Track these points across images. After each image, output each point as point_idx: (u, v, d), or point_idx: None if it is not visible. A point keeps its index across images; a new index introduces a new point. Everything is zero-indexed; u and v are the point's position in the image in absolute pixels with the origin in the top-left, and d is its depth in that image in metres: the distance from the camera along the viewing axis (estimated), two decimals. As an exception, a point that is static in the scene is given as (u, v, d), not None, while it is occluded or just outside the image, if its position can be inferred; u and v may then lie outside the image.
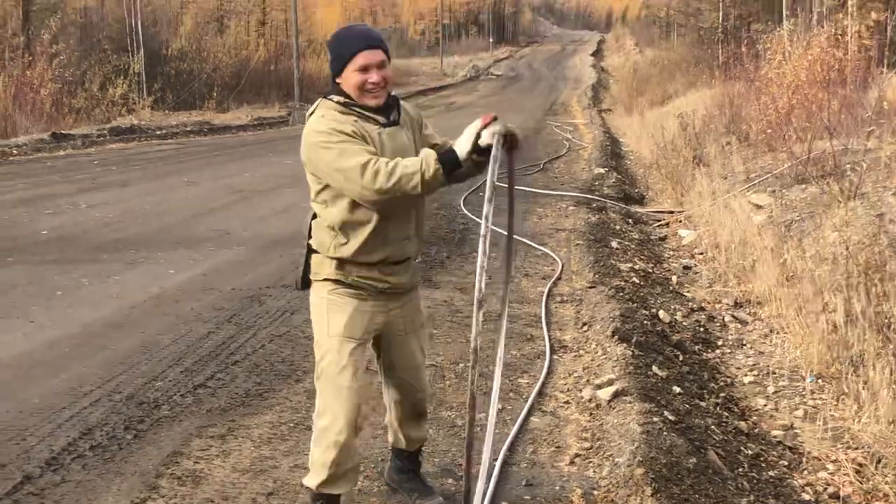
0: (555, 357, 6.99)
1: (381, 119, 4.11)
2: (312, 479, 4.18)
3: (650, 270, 10.13)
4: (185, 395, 5.92)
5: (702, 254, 11.27)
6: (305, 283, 4.26)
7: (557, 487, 4.92)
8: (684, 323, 8.09)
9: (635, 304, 8.18)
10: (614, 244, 11.20)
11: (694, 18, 32.95)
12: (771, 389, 6.70)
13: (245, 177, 16.80)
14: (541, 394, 6.26)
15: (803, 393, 6.54)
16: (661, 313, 8.05)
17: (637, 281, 9.34)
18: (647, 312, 8.00)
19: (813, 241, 9.49)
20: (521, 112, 28.04)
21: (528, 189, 15.44)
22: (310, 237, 4.19)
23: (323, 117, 4.03)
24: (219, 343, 7.01)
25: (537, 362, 6.93)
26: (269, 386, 6.17)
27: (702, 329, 8.04)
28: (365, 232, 4.04)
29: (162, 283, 8.79)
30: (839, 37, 17.18)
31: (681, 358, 7.02)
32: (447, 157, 3.85)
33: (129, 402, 5.78)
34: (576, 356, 7.10)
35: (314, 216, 4.17)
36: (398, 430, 4.60)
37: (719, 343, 7.77)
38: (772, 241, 9.65)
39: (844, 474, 5.27)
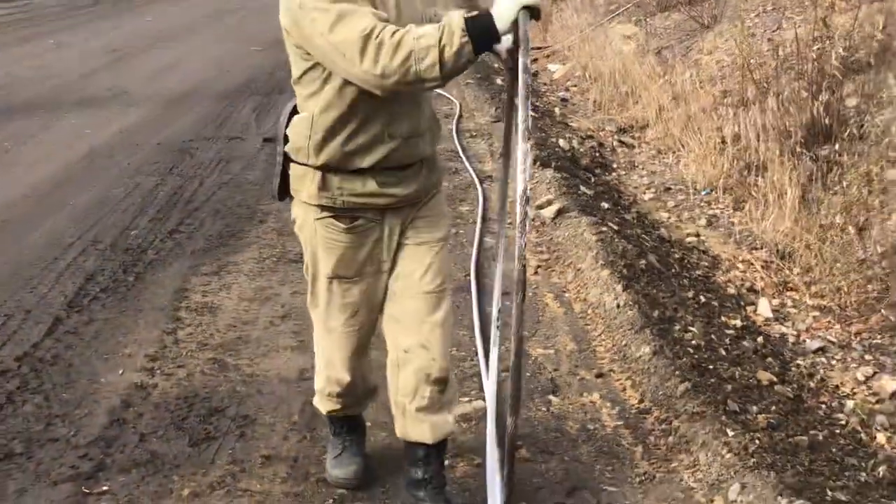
0: (484, 185, 7.51)
1: None
2: (320, 404, 3.58)
3: (536, 104, 10.69)
4: (165, 241, 6.29)
5: (575, 86, 11.87)
6: (283, 192, 3.26)
7: (530, 294, 5.52)
8: (581, 150, 8.69)
9: (543, 134, 8.79)
10: (498, 81, 11.71)
11: None
12: (671, 204, 7.39)
13: (111, 36, 16.64)
14: (484, 219, 6.79)
15: (701, 204, 7.26)
16: (562, 142, 8.64)
17: (532, 114, 9.88)
18: (553, 141, 8.61)
19: (688, 65, 10.18)
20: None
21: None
22: (286, 140, 3.18)
23: None
24: (171, 193, 7.34)
25: (470, 191, 7.45)
26: (238, 227, 6.59)
27: (597, 154, 8.67)
28: (354, 125, 3.02)
29: (87, 142, 8.98)
30: None
31: (592, 180, 7.68)
32: (480, 25, 2.71)
33: (115, 250, 6.14)
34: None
35: (294, 111, 3.18)
36: (405, 408, 3.31)
37: (614, 166, 8.43)
38: (650, 67, 10.30)
39: (755, 271, 6.01)
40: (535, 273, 5.85)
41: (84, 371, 4.53)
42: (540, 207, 6.77)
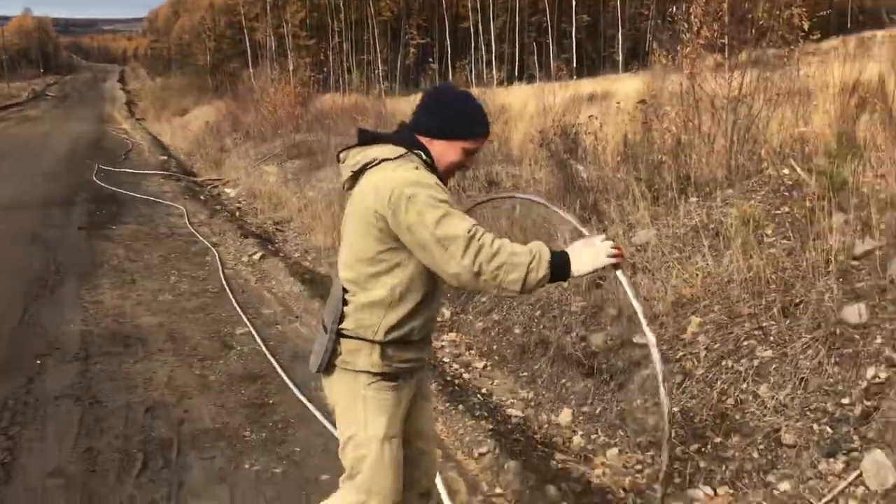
0: (215, 249, 8.99)
1: None
2: None
3: (217, 209, 12.19)
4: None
5: (243, 200, 12.94)
6: (327, 367, 2.55)
7: (253, 287, 7.46)
8: (257, 231, 10.31)
9: (236, 223, 10.56)
10: (202, 196, 13.18)
11: (190, 57, 33.94)
12: (311, 256, 9.20)
13: None
14: (224, 263, 8.38)
15: (332, 254, 9.28)
16: (247, 231, 10.42)
17: (228, 214, 11.55)
18: (246, 228, 10.38)
19: (311, 187, 12.08)
20: (83, 121, 27.15)
21: (135, 171, 15.91)
22: (340, 320, 2.49)
23: (418, 169, 2.39)
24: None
25: (206, 257, 8.76)
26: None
27: (266, 233, 10.28)
28: (418, 306, 2.47)
29: None
30: (291, 75, 19.86)
31: (270, 246, 9.57)
32: (562, 264, 2.29)
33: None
34: (224, 247, 9.21)
35: (345, 291, 2.49)
36: None
37: (279, 241, 10.06)
38: (290, 189, 12.03)
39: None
40: (256, 283, 7.73)
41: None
42: (251, 256, 8.61)
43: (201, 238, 9.66)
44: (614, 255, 2.32)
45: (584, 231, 2.49)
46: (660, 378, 2.40)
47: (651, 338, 2.38)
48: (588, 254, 2.31)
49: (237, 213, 11.80)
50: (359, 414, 2.51)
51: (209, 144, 18.66)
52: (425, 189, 2.29)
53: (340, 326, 2.49)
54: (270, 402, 4.89)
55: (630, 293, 2.39)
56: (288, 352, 5.77)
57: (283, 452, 4.23)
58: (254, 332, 6.12)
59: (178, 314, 6.62)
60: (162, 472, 4.00)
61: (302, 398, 4.86)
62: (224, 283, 7.54)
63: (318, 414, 4.63)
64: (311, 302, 6.79)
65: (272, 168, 14.15)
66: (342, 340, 2.49)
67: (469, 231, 2.23)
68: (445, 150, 2.47)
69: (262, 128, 17.73)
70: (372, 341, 2.46)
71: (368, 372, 2.48)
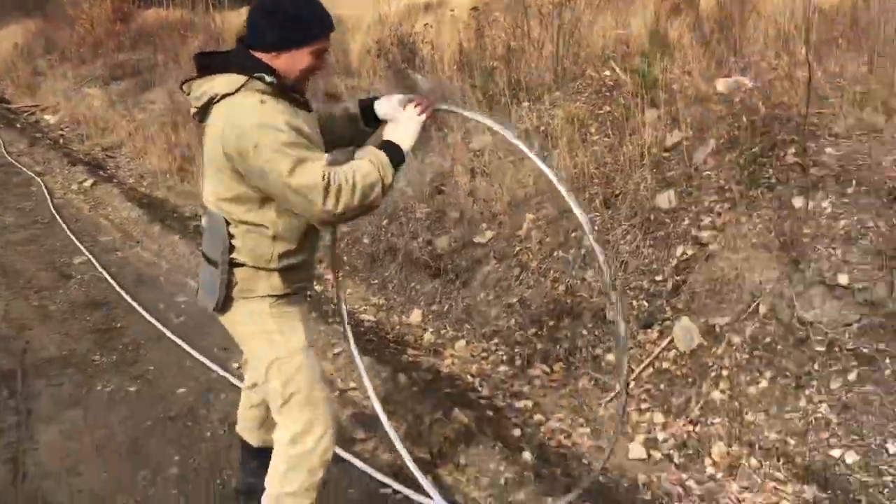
0: (41, 179, 8.60)
1: (306, 105, 2.43)
2: (322, 468, 2.55)
3: (37, 137, 11.52)
4: None
5: (66, 127, 12.20)
6: (225, 303, 2.46)
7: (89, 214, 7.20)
8: (86, 160, 9.72)
9: (61, 151, 10.00)
10: (18, 125, 12.25)
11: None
12: (147, 181, 8.85)
13: None
14: (52, 193, 8.00)
15: (158, 182, 8.88)
16: (74, 159, 9.93)
17: (50, 142, 10.89)
18: (75, 155, 9.87)
19: (140, 110, 11.57)
20: None
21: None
22: (230, 251, 2.39)
23: (263, 104, 2.23)
24: None
25: (31, 187, 8.39)
26: None
27: (96, 160, 9.75)
28: (305, 235, 2.45)
29: None
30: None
31: (102, 173, 9.19)
32: (398, 157, 2.34)
33: None
34: (50, 176, 8.81)
35: (227, 223, 2.38)
36: (269, 428, 2.72)
37: (108, 167, 9.52)
38: (118, 112, 11.24)
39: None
40: (90, 211, 7.47)
41: None
42: (80, 182, 8.28)
43: (23, 168, 9.18)
44: (423, 111, 2.42)
45: (514, 141, 2.52)
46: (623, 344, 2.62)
47: (606, 275, 2.50)
48: (404, 128, 2.39)
49: (61, 141, 11.16)
50: (273, 336, 2.46)
51: (20, 68, 17.09)
52: (270, 133, 2.17)
53: (232, 256, 2.40)
54: (118, 325, 4.88)
55: (600, 257, 2.45)
56: (131, 276, 5.72)
57: (136, 372, 4.28)
58: (93, 259, 5.99)
59: (4, 247, 6.37)
60: (8, 402, 3.96)
61: (151, 319, 4.88)
62: (54, 212, 7.26)
63: (168, 332, 4.68)
64: (151, 226, 6.70)
65: (95, 91, 13.18)
66: (235, 270, 2.42)
67: (324, 177, 2.16)
68: (293, 61, 2.31)
69: (80, 48, 16.40)
70: (268, 269, 2.42)
71: (270, 295, 2.45)
